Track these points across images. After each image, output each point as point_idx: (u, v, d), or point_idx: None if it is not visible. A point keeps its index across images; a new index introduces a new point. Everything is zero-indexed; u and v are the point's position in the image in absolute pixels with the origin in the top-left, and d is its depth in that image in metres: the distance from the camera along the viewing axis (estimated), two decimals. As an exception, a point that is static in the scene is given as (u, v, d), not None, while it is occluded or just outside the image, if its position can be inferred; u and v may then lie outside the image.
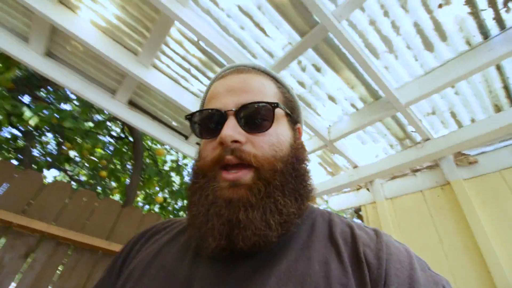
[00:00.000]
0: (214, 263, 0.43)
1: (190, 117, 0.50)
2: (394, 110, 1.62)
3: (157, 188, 3.84)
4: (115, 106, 1.97)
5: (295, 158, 0.48)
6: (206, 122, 0.49)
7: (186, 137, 2.31)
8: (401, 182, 2.25)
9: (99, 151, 3.93)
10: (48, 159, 4.68)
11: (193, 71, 1.75)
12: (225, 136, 0.43)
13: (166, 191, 3.92)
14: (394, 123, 1.92)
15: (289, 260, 0.41)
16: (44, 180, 1.80)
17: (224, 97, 0.48)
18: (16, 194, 1.63)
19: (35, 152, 4.94)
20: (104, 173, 3.54)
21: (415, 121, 1.71)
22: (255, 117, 0.46)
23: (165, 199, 3.83)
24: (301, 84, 1.73)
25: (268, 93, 0.51)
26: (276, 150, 0.46)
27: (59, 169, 4.86)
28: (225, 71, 0.56)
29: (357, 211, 2.55)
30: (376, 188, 2.34)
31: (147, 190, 3.81)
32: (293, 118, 0.55)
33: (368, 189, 2.41)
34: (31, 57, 1.67)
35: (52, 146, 5.22)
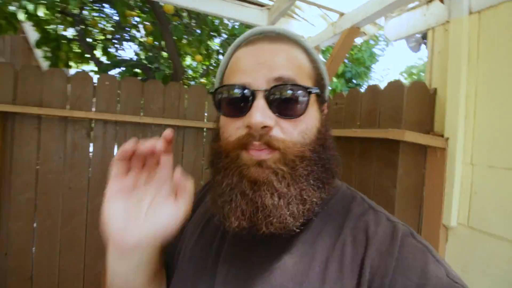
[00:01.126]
0: (237, 244, 0.47)
1: (213, 91, 0.47)
2: None
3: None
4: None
5: (322, 145, 0.46)
6: (232, 99, 0.44)
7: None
8: (513, -26, 1.20)
9: (140, 14, 3.79)
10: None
11: None
12: (255, 122, 0.40)
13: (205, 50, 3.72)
14: None
15: (297, 255, 0.42)
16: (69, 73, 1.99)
17: (253, 71, 0.43)
18: (53, 91, 1.92)
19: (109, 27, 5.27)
20: (150, 40, 3.55)
21: None
22: (288, 101, 0.42)
23: (206, 56, 3.68)
24: None
25: (303, 71, 0.46)
26: (305, 136, 0.44)
27: (130, 39, 5.19)
28: (253, 36, 0.48)
29: (424, 38, 1.73)
30: (458, -5, 1.39)
31: (187, 52, 3.70)
32: (323, 98, 0.50)
33: (442, 1, 1.47)
34: None
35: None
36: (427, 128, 1.51)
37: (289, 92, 0.42)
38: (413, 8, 1.72)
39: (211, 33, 4.14)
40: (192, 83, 5.88)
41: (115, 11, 4.85)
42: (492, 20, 1.28)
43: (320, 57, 0.48)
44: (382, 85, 1.62)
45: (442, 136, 1.42)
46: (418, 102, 1.50)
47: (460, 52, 1.36)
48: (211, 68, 5.06)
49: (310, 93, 0.43)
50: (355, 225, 0.43)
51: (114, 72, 4.01)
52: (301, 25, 2.32)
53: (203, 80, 5.43)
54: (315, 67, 0.49)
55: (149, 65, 3.50)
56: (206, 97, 2.28)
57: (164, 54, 3.96)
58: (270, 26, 0.50)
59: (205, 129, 2.29)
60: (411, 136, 1.34)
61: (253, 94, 0.41)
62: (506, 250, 1.18)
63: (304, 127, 0.44)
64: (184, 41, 3.84)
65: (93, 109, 2.03)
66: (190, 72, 6.30)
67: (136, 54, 4.81)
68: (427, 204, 1.49)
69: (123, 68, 3.40)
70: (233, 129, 0.44)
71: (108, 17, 5.13)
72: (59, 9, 3.89)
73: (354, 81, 7.06)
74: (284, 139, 0.42)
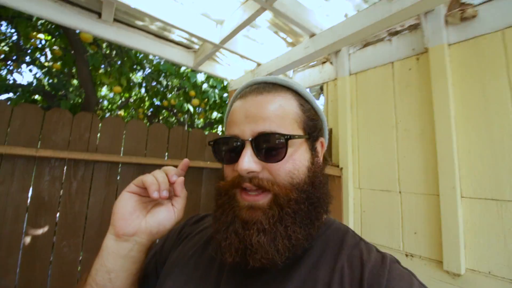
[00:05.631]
0: (235, 275, 0.50)
1: (212, 143, 0.53)
2: None
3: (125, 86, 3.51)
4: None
5: (311, 184, 0.49)
6: (226, 149, 0.51)
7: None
8: (372, 52, 1.71)
9: (47, 37, 3.40)
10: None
11: None
12: (241, 169, 0.46)
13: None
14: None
15: (299, 280, 0.46)
16: None
17: (242, 124, 0.49)
18: None
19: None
20: (58, 66, 3.17)
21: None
22: (270, 147, 0.47)
23: (126, 88, 3.56)
24: None
25: (287, 116, 0.50)
26: (293, 176, 0.48)
27: (31, 62, 4.50)
28: (245, 89, 0.55)
29: (322, 89, 2.17)
30: (341, 61, 1.85)
31: (103, 82, 3.49)
32: (313, 137, 0.53)
33: (331, 63, 1.92)
34: None
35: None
36: (327, 160, 1.81)
37: (269, 139, 0.47)
38: (313, 66, 2.16)
39: (134, 66, 4.02)
40: (108, 114, 5.37)
41: (14, 31, 4.21)
42: (363, 80, 1.75)
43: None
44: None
45: (338, 166, 1.74)
46: (320, 139, 1.82)
47: (345, 102, 1.77)
48: (131, 101, 4.78)
49: (288, 139, 0.47)
50: (351, 253, 0.48)
51: (3, 97, 3.34)
52: (223, 69, 2.55)
53: (120, 112, 5.03)
54: (305, 108, 0.53)
55: (53, 92, 3.06)
56: (124, 129, 2.15)
57: (75, 82, 3.56)
58: (262, 77, 0.55)
59: (120, 164, 2.11)
60: (315, 167, 1.59)
61: (242, 144, 0.48)
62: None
63: (291, 167, 0.48)
64: (101, 71, 3.59)
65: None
66: (105, 103, 5.77)
67: (37, 79, 4.15)
68: (332, 226, 1.74)
69: (18, 94, 2.85)
70: (229, 171, 0.51)
71: (3, 35, 4.38)
72: None
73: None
74: (273, 180, 0.47)
